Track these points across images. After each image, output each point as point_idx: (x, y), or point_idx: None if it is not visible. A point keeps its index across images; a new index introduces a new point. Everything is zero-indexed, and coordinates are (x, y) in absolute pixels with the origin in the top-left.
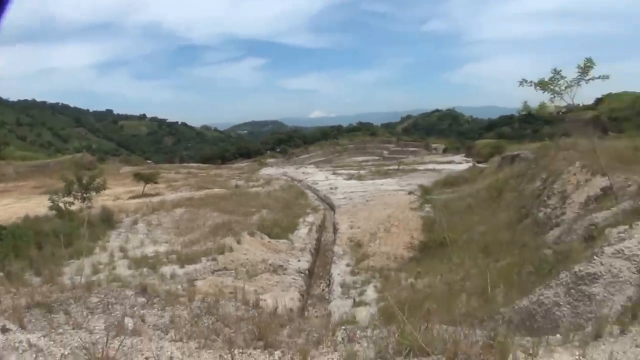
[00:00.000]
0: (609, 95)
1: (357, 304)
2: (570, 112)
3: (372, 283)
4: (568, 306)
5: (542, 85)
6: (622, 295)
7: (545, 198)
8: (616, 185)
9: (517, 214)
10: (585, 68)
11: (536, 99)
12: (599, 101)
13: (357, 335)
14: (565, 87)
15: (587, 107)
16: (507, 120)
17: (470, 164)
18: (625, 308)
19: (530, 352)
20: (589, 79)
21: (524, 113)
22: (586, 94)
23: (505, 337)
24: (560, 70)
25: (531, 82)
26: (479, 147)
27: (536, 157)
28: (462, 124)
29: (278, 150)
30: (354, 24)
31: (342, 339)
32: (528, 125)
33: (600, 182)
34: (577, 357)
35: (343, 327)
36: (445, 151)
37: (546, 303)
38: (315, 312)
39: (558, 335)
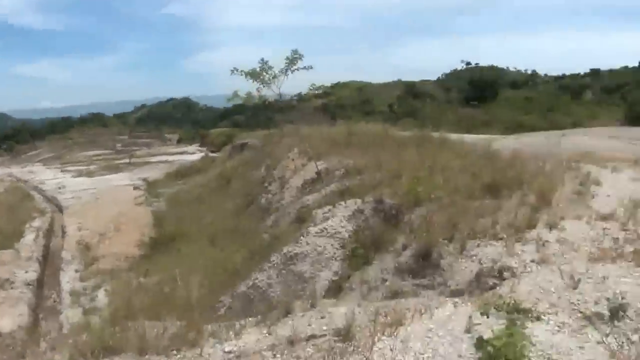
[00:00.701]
0: (338, 84)
1: (88, 312)
2: (277, 101)
3: (102, 287)
4: (281, 286)
5: (252, 75)
6: (328, 271)
7: (267, 184)
8: (330, 168)
9: (244, 201)
10: (293, 59)
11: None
12: (327, 90)
13: (59, 343)
14: (273, 77)
15: (316, 96)
16: (240, 108)
17: (203, 154)
18: (332, 282)
19: (222, 336)
20: (295, 69)
21: (232, 102)
22: (316, 82)
23: (196, 325)
24: (267, 61)
25: (242, 71)
26: (213, 136)
27: (262, 145)
28: (197, 113)
29: (4, 147)
30: (89, 5)
31: (45, 349)
32: (261, 113)
33: (316, 166)
34: (264, 334)
35: (48, 337)
36: (179, 141)
37: (261, 286)
38: (47, 325)
39: (259, 317)
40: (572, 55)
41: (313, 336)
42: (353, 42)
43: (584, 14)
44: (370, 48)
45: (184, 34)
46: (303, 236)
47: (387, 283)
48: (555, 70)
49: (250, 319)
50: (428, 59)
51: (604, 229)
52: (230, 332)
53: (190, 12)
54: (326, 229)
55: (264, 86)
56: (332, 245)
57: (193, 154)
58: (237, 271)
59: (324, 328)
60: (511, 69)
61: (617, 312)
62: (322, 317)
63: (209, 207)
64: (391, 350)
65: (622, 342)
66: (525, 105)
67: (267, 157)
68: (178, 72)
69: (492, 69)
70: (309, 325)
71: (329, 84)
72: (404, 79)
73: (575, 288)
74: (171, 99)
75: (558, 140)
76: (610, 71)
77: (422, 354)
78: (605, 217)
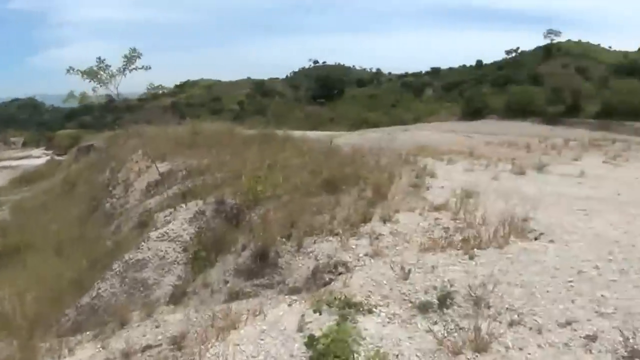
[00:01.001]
0: (187, 82)
1: None
2: (114, 101)
3: None
4: (125, 295)
5: (88, 74)
6: (172, 276)
7: (112, 188)
8: (174, 169)
9: (89, 206)
10: (131, 58)
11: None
12: (167, 89)
13: None
14: (110, 76)
15: (165, 94)
16: (88, 108)
17: (49, 158)
18: (175, 287)
19: (57, 354)
20: (133, 69)
21: (67, 103)
22: (167, 81)
23: (32, 344)
24: (104, 59)
25: (78, 70)
26: (59, 138)
27: (107, 147)
28: (43, 114)
29: None
30: None
31: None
32: (109, 113)
33: (160, 168)
34: (98, 349)
35: None
36: (25, 145)
37: (105, 296)
38: None
39: (97, 330)
40: (414, 54)
41: (148, 347)
42: (202, 39)
43: (426, 15)
44: (219, 45)
45: (32, 29)
46: (144, 241)
47: (228, 285)
48: (398, 69)
49: (87, 332)
50: (277, 57)
51: (435, 219)
52: (65, 349)
53: (39, 6)
54: (167, 232)
55: (101, 86)
56: (174, 249)
57: (39, 157)
58: (81, 281)
59: (159, 337)
60: (357, 67)
61: (445, 299)
62: (157, 327)
63: (54, 215)
64: (220, 356)
65: (451, 329)
66: (370, 102)
67: (112, 160)
68: (25, 70)
69: (338, 67)
70: (144, 335)
71: (176, 83)
72: (254, 76)
73: (406, 279)
74: (16, 99)
75: (400, 135)
76: (450, 69)
77: (254, 357)
78: (437, 208)
